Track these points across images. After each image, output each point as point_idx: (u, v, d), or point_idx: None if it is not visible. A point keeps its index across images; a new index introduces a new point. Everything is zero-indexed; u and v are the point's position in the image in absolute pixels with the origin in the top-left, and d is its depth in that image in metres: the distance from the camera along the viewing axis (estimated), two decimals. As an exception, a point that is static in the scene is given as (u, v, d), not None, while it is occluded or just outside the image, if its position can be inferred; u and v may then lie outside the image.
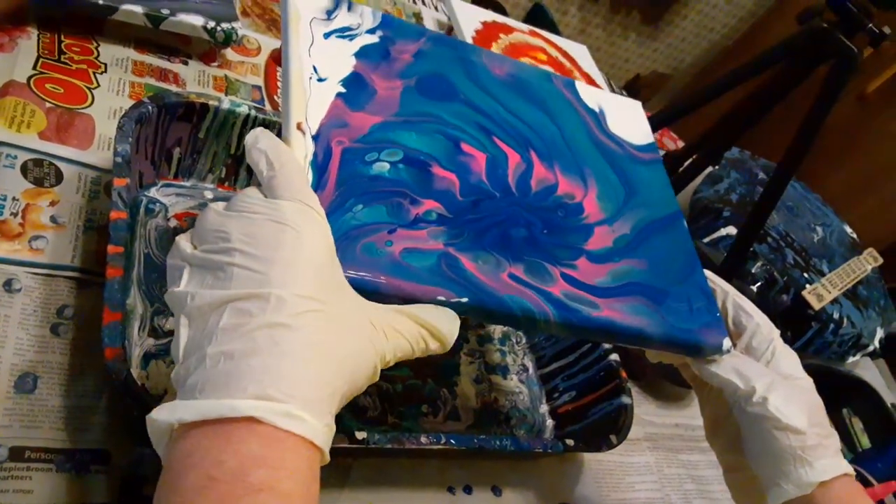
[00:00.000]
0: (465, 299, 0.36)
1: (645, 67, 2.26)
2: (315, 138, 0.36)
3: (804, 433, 0.39)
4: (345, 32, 0.41)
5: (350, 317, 0.30)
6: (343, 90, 0.39)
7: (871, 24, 0.62)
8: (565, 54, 1.01)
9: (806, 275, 0.83)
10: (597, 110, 0.51)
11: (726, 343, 0.43)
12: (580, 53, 1.04)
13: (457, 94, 0.44)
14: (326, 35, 0.40)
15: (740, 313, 0.45)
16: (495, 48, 0.89)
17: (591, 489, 0.56)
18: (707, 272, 0.47)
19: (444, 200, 0.39)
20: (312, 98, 0.37)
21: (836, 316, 0.81)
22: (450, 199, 0.39)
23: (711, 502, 0.64)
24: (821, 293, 0.81)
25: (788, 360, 0.43)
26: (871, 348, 0.85)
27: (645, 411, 0.66)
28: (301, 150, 0.35)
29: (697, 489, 0.64)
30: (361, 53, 0.41)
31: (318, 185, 0.35)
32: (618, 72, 2.23)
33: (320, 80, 0.38)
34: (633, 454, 0.62)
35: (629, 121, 0.53)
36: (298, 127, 0.35)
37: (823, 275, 0.85)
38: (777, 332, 0.45)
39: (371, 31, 0.42)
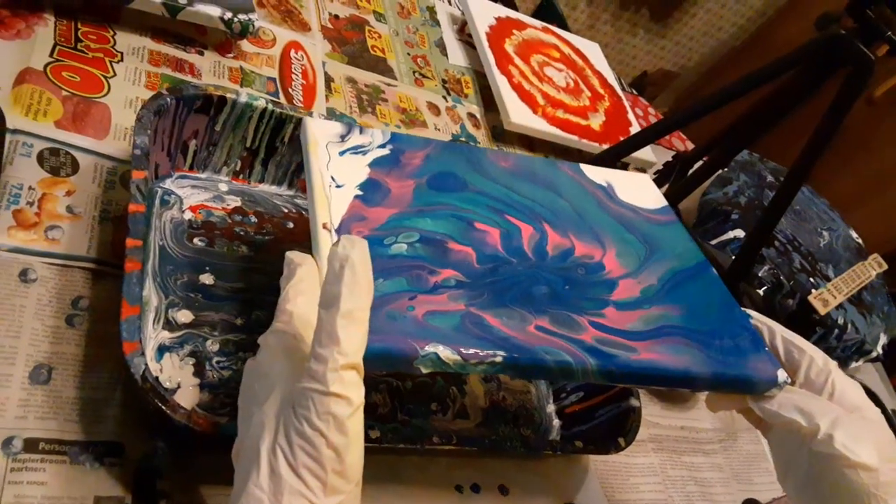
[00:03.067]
0: (498, 358, 0.36)
1: (652, 65, 2.26)
2: (337, 231, 0.39)
3: (876, 469, 0.37)
4: (357, 150, 0.45)
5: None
6: (360, 193, 0.42)
7: (889, 32, 0.62)
8: (577, 52, 1.01)
9: (812, 279, 0.83)
10: (605, 185, 0.53)
11: (781, 374, 0.42)
12: (592, 51, 1.04)
13: (466, 186, 0.46)
14: (342, 153, 0.44)
15: (791, 349, 0.44)
16: (508, 44, 0.89)
17: (596, 489, 0.57)
18: (750, 311, 0.46)
19: (461, 269, 0.41)
20: (333, 201, 0.40)
21: (840, 321, 0.82)
22: (467, 267, 0.41)
23: (713, 505, 0.64)
24: (826, 298, 0.82)
25: (851, 391, 0.42)
26: (873, 354, 0.85)
27: (650, 413, 0.66)
28: (328, 247, 0.37)
29: (700, 491, 0.64)
30: (374, 163, 0.44)
31: None
32: (625, 69, 2.22)
33: (338, 186, 0.41)
34: (638, 455, 0.62)
35: (639, 190, 0.54)
36: (324, 227, 0.38)
37: (829, 280, 0.85)
38: (833, 363, 0.43)
39: (382, 146, 0.46)
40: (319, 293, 0.35)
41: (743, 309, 0.46)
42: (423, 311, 0.37)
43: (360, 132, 0.46)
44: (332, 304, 0.30)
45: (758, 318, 0.46)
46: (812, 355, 0.43)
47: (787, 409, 0.40)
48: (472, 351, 0.36)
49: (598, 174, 0.53)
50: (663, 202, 0.54)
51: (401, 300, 0.37)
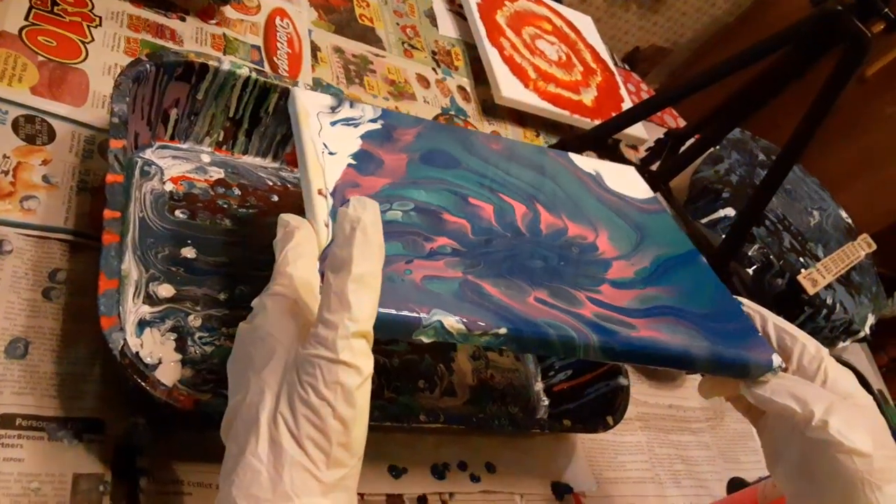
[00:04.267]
0: (503, 330, 0.35)
1: (644, 40, 2.23)
2: (332, 195, 0.38)
3: (870, 456, 0.36)
4: (349, 122, 0.44)
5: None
6: (353, 162, 0.41)
7: (886, 9, 0.61)
8: (570, 24, 0.99)
9: (801, 259, 0.83)
10: (593, 173, 0.53)
11: (776, 359, 0.41)
12: (584, 24, 1.02)
13: (458, 164, 0.46)
14: (333, 123, 0.43)
15: (783, 336, 0.43)
16: (500, 16, 0.87)
17: (584, 468, 0.56)
18: (742, 299, 0.46)
19: (456, 238, 0.40)
20: (327, 167, 0.39)
21: (829, 301, 0.81)
22: (462, 236, 0.40)
23: (699, 483, 0.64)
24: (815, 278, 0.81)
25: (844, 378, 0.41)
26: (861, 334, 0.85)
27: (638, 391, 0.66)
28: (324, 212, 0.36)
29: (686, 469, 0.64)
30: (366, 136, 0.44)
31: None
32: (617, 44, 2.20)
33: (331, 153, 0.40)
34: (626, 434, 0.62)
35: (626, 180, 0.54)
36: (319, 192, 0.37)
37: (819, 259, 0.85)
38: (825, 350, 0.43)
39: (373, 121, 0.45)
40: (317, 259, 0.33)
41: (734, 297, 0.46)
42: (420, 275, 0.36)
43: (351, 105, 0.45)
44: (342, 267, 0.29)
45: (749, 306, 0.46)
46: (804, 342, 0.43)
47: (780, 395, 0.40)
48: (476, 321, 0.35)
49: (586, 163, 0.53)
50: (650, 193, 0.54)
51: (398, 263, 0.36)
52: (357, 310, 0.28)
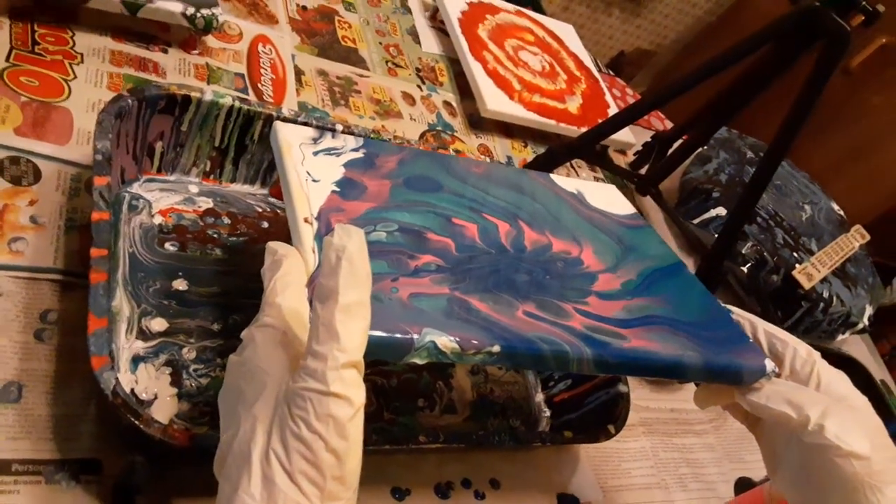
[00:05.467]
0: (496, 347, 0.35)
1: (629, 44, 2.25)
2: (316, 219, 0.38)
3: (869, 458, 0.36)
4: (331, 151, 0.44)
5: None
6: (336, 189, 0.41)
7: (864, 2, 0.61)
8: (552, 34, 0.99)
9: (796, 254, 0.83)
10: (575, 192, 0.54)
11: (769, 364, 0.41)
12: (566, 33, 1.03)
13: (441, 188, 0.46)
14: (315, 153, 0.43)
15: (774, 341, 0.43)
16: (481, 30, 0.87)
17: (588, 477, 0.56)
18: (731, 307, 0.46)
19: (441, 255, 0.40)
20: (311, 194, 0.40)
21: (825, 295, 0.81)
22: (446, 254, 0.41)
23: (706, 485, 0.64)
24: (811, 272, 0.81)
25: (838, 381, 0.41)
26: (860, 326, 0.85)
27: (639, 396, 0.66)
28: (310, 239, 0.36)
29: (692, 472, 0.64)
30: (349, 164, 0.44)
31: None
32: (601, 49, 2.21)
33: (315, 181, 0.41)
34: (629, 440, 0.62)
35: (608, 198, 0.55)
36: (305, 221, 0.37)
37: (813, 253, 0.85)
38: (817, 353, 0.42)
39: (355, 150, 0.46)
40: (305, 288, 0.33)
41: (724, 305, 0.46)
42: (407, 292, 0.36)
43: (333, 136, 0.45)
44: (329, 297, 0.28)
45: (738, 313, 0.46)
46: (796, 347, 0.43)
47: (775, 401, 0.39)
48: (469, 339, 0.35)
49: (567, 183, 0.54)
50: (632, 209, 0.55)
51: (384, 281, 0.36)
52: (346, 340, 0.28)
